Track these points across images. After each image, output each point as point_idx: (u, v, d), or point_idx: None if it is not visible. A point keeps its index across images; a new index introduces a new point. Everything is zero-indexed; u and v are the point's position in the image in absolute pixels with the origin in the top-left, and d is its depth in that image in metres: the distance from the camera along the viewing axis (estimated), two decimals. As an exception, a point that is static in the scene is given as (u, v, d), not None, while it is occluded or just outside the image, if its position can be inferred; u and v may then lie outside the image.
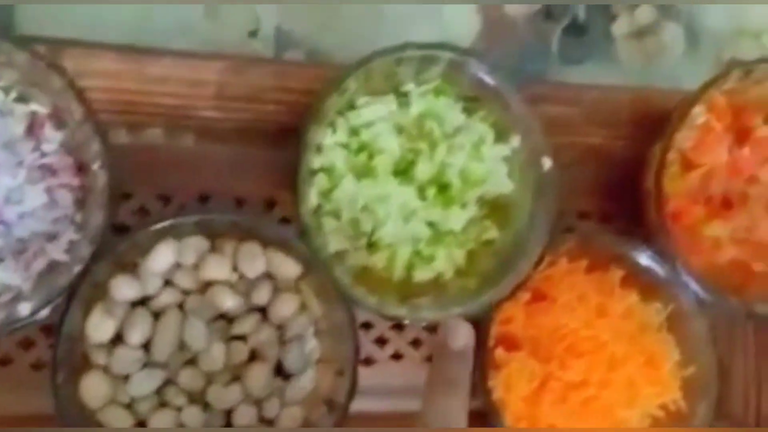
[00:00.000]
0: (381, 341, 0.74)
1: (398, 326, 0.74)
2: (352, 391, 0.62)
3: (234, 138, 0.69)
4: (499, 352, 0.68)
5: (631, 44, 0.84)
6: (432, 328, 0.74)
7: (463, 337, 0.51)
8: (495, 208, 0.71)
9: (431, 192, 0.67)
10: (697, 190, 0.75)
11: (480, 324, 0.68)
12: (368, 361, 0.73)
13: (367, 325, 0.74)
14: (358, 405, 0.62)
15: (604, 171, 0.77)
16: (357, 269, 0.67)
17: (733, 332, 0.80)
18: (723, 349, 0.76)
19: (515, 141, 0.69)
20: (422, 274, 0.68)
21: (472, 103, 0.69)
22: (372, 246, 0.68)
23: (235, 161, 0.70)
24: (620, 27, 0.83)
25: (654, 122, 0.73)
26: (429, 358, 0.74)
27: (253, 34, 0.74)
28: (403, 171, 0.67)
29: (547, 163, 0.67)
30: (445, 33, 0.80)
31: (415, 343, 0.74)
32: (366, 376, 0.68)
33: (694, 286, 0.71)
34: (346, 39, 0.75)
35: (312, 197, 0.65)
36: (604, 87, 0.77)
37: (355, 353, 0.63)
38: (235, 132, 0.69)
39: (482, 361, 0.67)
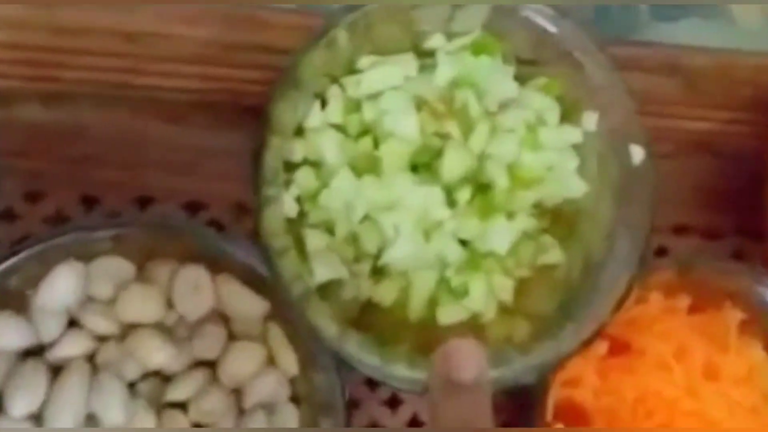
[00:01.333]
0: (393, 403, 0.53)
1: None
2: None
3: (187, 115, 0.52)
4: (558, 428, 0.47)
5: (749, -4, 0.62)
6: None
7: (471, 364, 0.37)
8: (559, 220, 0.50)
9: (464, 196, 0.47)
10: None
11: (533, 389, 0.47)
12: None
13: (373, 382, 0.53)
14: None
15: (713, 168, 0.59)
16: (354, 308, 0.47)
17: None
18: None
19: (591, 121, 0.48)
20: (450, 314, 0.47)
21: (528, 66, 0.49)
22: (378, 273, 0.47)
23: (189, 148, 0.52)
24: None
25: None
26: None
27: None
28: (423, 165, 0.47)
29: (638, 153, 0.47)
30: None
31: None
32: None
33: None
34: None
35: (289, 203, 0.45)
36: (716, 51, 0.54)
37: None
38: (189, 106, 0.51)
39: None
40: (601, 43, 0.47)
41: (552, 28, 0.46)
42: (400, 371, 0.44)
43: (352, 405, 0.52)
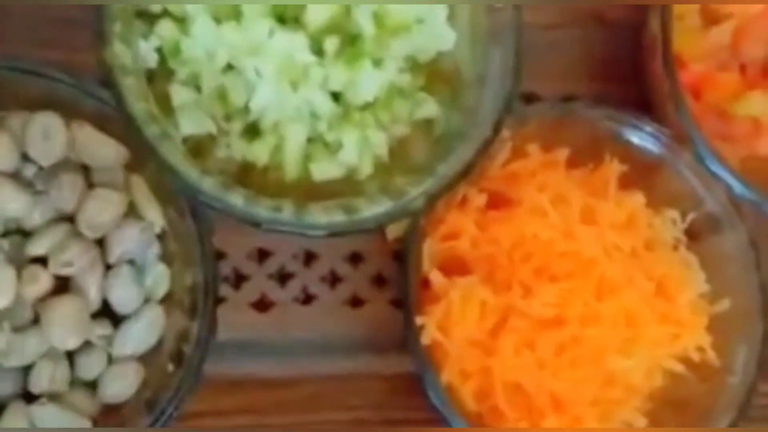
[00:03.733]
0: (282, 277, 0.52)
1: (308, 258, 0.53)
2: (205, 343, 0.41)
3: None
4: (435, 277, 0.46)
5: None
6: (353, 258, 0.52)
7: None
8: (435, 77, 0.49)
9: (332, 45, 0.45)
10: (725, 52, 0.53)
11: (408, 241, 0.46)
12: (263, 305, 0.52)
13: (264, 254, 0.52)
14: (250, 366, 0.50)
15: (600, 38, 0.58)
16: (230, 167, 0.46)
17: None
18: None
19: (455, -32, 0.47)
20: (325, 170, 0.47)
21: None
22: (250, 132, 0.46)
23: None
24: None
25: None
26: (350, 301, 0.52)
27: None
28: (285, 14, 0.45)
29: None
30: None
31: (331, 279, 0.53)
32: (260, 325, 0.52)
33: (726, 184, 0.50)
34: None
35: (147, 52, 0.44)
36: None
37: (209, 284, 0.42)
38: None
39: (408, 292, 0.45)
40: None
41: None
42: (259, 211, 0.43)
43: (240, 279, 0.52)
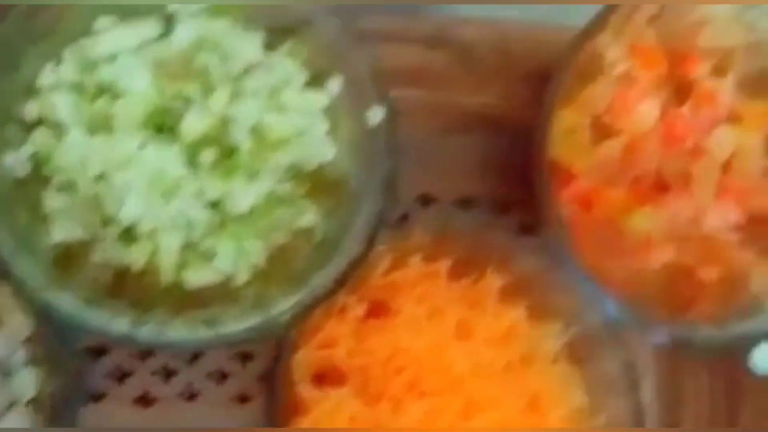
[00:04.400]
0: (167, 373, 0.53)
1: (194, 355, 0.53)
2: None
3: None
4: (305, 389, 0.46)
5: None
6: (242, 356, 0.52)
7: None
8: (318, 184, 0.50)
9: (208, 157, 0.46)
10: (616, 167, 0.53)
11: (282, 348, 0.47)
12: (146, 400, 0.52)
13: (147, 351, 0.52)
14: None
15: (495, 141, 0.58)
16: (107, 273, 0.47)
17: (668, 367, 0.56)
18: (651, 392, 0.54)
19: (335, 85, 0.47)
20: (199, 277, 0.47)
21: (279, 33, 0.49)
22: (127, 238, 0.47)
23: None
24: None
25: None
26: (239, 398, 0.52)
27: None
28: (162, 125, 0.47)
29: (376, 114, 0.46)
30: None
31: (218, 376, 0.53)
32: (143, 421, 0.52)
33: (609, 301, 0.50)
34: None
35: (20, 162, 0.45)
36: (486, 23, 0.55)
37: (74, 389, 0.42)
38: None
39: (278, 403, 0.45)
40: (341, 11, 0.47)
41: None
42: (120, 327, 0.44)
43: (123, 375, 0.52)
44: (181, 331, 0.44)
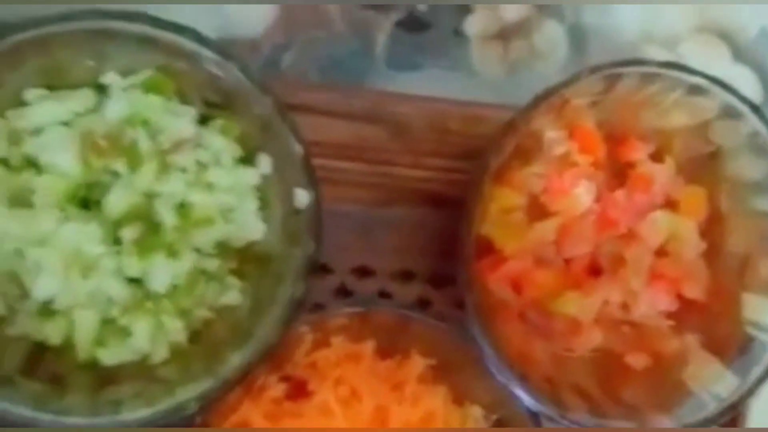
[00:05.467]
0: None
1: None
2: None
3: None
4: None
5: (490, 47, 0.62)
6: None
7: None
8: (247, 260, 0.50)
9: (131, 233, 0.46)
10: (549, 249, 0.53)
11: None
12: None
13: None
14: None
15: (433, 215, 0.57)
16: (23, 347, 0.47)
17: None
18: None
19: (266, 164, 0.47)
20: (114, 355, 0.47)
21: (214, 108, 0.49)
22: (44, 313, 0.46)
23: None
24: (476, 24, 0.62)
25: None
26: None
27: None
28: (86, 200, 0.46)
29: (302, 197, 0.46)
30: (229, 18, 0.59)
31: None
32: None
33: (525, 393, 0.49)
34: None
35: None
36: (422, 100, 0.55)
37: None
38: None
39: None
40: (267, 87, 0.46)
41: (219, 72, 0.46)
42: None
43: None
44: (84, 414, 0.43)
